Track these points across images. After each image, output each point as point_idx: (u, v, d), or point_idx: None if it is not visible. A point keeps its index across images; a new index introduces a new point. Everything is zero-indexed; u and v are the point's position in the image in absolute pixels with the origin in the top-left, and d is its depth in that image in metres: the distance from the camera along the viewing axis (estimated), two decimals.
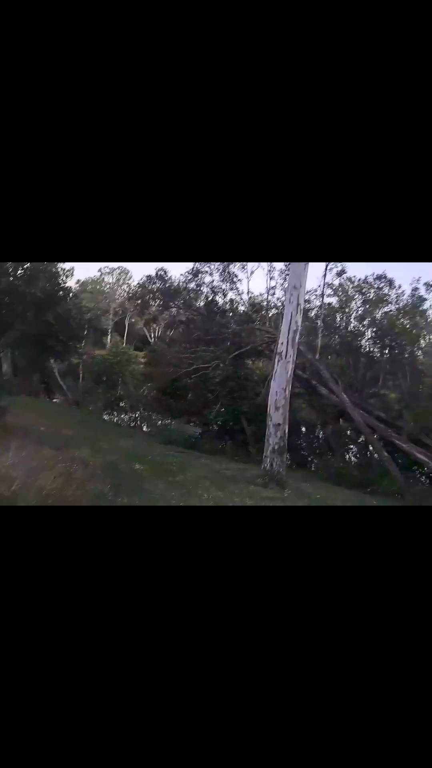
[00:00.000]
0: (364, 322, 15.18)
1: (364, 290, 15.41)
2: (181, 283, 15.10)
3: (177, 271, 21.12)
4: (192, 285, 15.01)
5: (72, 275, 17.63)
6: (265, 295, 15.69)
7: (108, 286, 35.86)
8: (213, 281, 14.83)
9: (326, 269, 14.45)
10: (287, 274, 10.83)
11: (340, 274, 15.08)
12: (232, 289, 15.02)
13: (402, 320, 14.43)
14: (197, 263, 14.31)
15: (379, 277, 14.94)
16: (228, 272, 14.67)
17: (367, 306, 15.34)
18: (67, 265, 16.13)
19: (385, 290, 15.07)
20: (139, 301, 17.40)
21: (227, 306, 15.00)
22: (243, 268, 14.94)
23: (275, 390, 8.25)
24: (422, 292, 14.87)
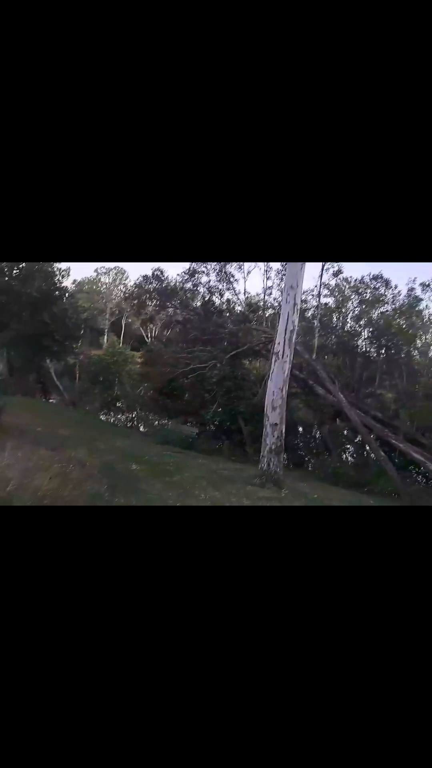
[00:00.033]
0: (361, 322, 15.22)
1: (360, 290, 15.46)
2: (177, 283, 15.10)
3: (174, 271, 21.13)
4: (189, 285, 15.00)
5: (68, 275, 17.59)
6: (262, 295, 15.71)
7: (104, 286, 35.79)
8: (210, 281, 14.85)
9: (323, 269, 14.49)
10: (284, 274, 10.84)
11: (336, 274, 15.13)
12: (228, 289, 15.04)
13: (398, 320, 14.47)
14: (194, 263, 14.30)
15: (376, 278, 14.99)
16: (225, 272, 14.67)
17: (364, 306, 15.38)
18: (63, 265, 16.12)
19: (382, 290, 15.12)
20: (136, 301, 17.35)
21: (224, 306, 15.00)
22: (240, 268, 14.94)
23: (272, 390, 8.25)
24: (418, 292, 14.93)
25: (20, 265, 14.57)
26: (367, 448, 11.70)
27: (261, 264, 15.04)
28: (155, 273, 15.12)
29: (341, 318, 15.71)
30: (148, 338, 26.23)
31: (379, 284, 14.98)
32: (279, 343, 8.21)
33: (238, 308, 15.18)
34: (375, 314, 15.07)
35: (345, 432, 13.22)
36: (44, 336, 14.64)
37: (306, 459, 13.13)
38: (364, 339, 14.76)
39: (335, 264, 14.50)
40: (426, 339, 17.39)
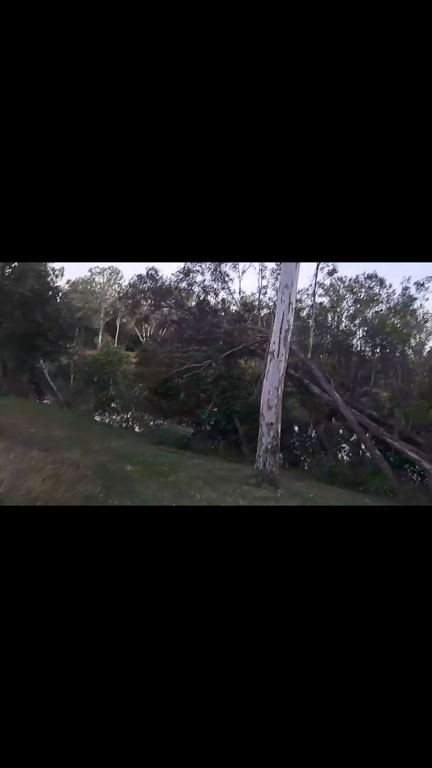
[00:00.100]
0: (356, 322, 15.23)
1: (355, 290, 15.47)
2: (172, 283, 15.02)
3: (168, 270, 21.07)
4: (183, 284, 14.94)
5: (62, 275, 17.44)
6: (257, 295, 15.69)
7: (99, 286, 35.65)
8: (204, 281, 14.79)
9: (317, 269, 14.49)
10: (279, 273, 10.82)
11: (331, 273, 15.13)
12: (223, 288, 14.99)
13: (393, 319, 14.50)
14: (188, 263, 14.25)
15: (370, 277, 15.00)
16: (219, 272, 14.62)
17: (358, 305, 15.39)
18: (57, 265, 15.97)
19: (376, 290, 15.13)
20: (130, 301, 17.25)
21: (219, 305, 14.95)
22: (234, 267, 14.90)
23: (268, 389, 8.22)
24: (413, 291, 14.97)
25: (12, 264, 14.43)
26: (363, 446, 11.71)
27: (256, 263, 15.03)
28: (150, 272, 15.04)
29: (336, 317, 15.72)
30: (143, 338, 26.14)
31: (373, 283, 15.01)
32: (274, 342, 8.19)
33: (233, 308, 15.15)
34: (369, 313, 15.08)
35: (340, 431, 13.23)
36: (37, 336, 14.51)
37: (302, 458, 13.13)
38: (359, 338, 14.78)
39: (330, 263, 14.52)
40: (420, 338, 17.47)
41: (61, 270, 16.19)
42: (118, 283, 34.61)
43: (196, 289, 15.08)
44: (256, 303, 15.64)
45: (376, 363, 13.56)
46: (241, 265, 14.98)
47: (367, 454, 11.21)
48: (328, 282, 15.59)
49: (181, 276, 14.66)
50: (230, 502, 6.28)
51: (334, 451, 12.89)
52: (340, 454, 13.18)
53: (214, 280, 14.74)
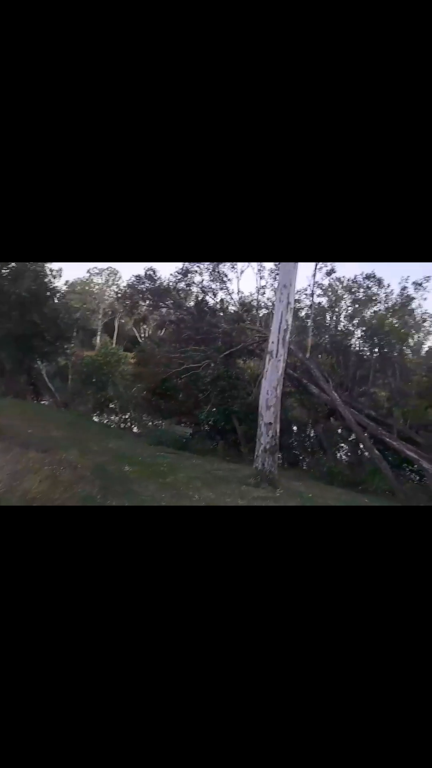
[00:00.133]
0: (354, 322, 15.22)
1: (353, 290, 15.45)
2: (170, 283, 14.98)
3: (166, 271, 21.03)
4: (182, 285, 14.90)
5: (60, 276, 17.37)
6: (255, 295, 15.66)
7: (97, 286, 35.60)
8: (203, 281, 14.75)
9: (315, 269, 14.48)
10: (277, 273, 10.80)
11: (329, 273, 15.11)
12: (222, 288, 14.94)
13: (391, 319, 14.49)
14: (187, 263, 14.21)
15: (368, 277, 14.98)
16: (218, 272, 14.59)
17: (357, 305, 15.38)
18: (55, 266, 15.89)
19: (374, 289, 15.11)
20: (128, 301, 17.19)
21: (217, 306, 14.92)
22: (233, 267, 14.86)
23: (266, 389, 8.20)
24: (411, 291, 14.97)
25: (10, 264, 14.37)
26: (362, 446, 11.70)
27: (254, 263, 15.01)
28: (147, 273, 15.00)
29: (334, 317, 15.70)
30: (141, 338, 26.10)
31: (371, 283, 14.99)
32: (273, 342, 8.17)
33: (232, 308, 15.11)
34: (368, 313, 15.07)
35: (339, 431, 13.22)
36: (34, 336, 14.45)
37: (301, 458, 13.10)
38: (358, 338, 14.76)
39: (328, 263, 14.50)
40: (418, 337, 17.49)
41: (59, 271, 16.11)
42: (117, 284, 34.57)
43: (194, 289, 15.06)
44: (255, 303, 15.61)
45: (375, 363, 13.55)
46: (240, 265, 14.96)
47: (366, 453, 11.20)
48: (326, 282, 15.58)
49: (179, 276, 14.63)
50: (229, 503, 6.25)
51: (333, 450, 12.87)
52: (339, 454, 13.16)
53: (212, 280, 14.70)
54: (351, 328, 15.16)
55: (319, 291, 15.48)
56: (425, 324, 20.26)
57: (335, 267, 14.96)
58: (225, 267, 14.67)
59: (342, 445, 13.43)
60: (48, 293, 15.23)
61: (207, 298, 14.89)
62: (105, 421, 15.33)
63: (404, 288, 14.95)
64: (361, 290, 15.18)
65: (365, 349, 14.12)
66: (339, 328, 15.12)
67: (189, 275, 14.57)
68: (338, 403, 10.93)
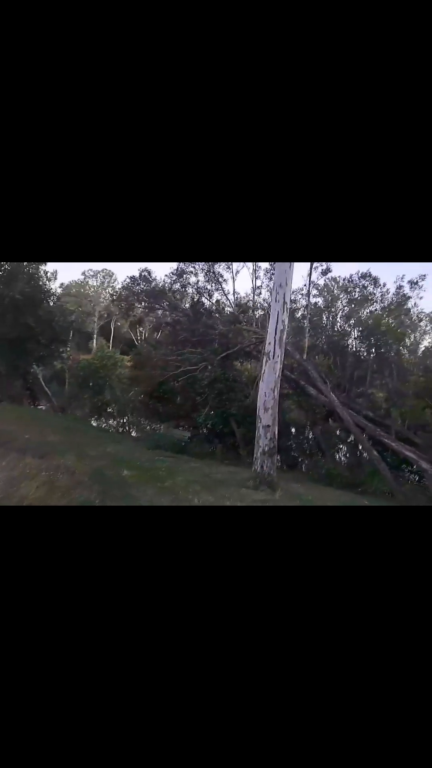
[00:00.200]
0: (350, 322, 15.23)
1: (349, 289, 15.47)
2: (165, 284, 14.93)
3: (161, 272, 21.00)
4: (177, 286, 14.85)
5: (55, 278, 17.26)
6: (251, 296, 15.64)
7: (92, 289, 35.52)
8: (198, 282, 14.72)
9: (311, 268, 14.48)
10: (272, 273, 10.78)
11: (325, 273, 15.13)
12: (217, 289, 14.91)
13: (387, 319, 14.52)
14: (181, 263, 14.17)
15: (364, 276, 15.01)
16: (213, 272, 14.55)
17: (353, 305, 15.40)
18: (49, 268, 15.78)
19: (370, 289, 15.15)
20: (124, 303, 17.12)
21: (213, 307, 14.88)
22: (228, 268, 14.84)
23: (264, 391, 8.15)
24: (406, 290, 15.02)
25: (4, 266, 14.24)
26: (360, 447, 11.68)
27: (249, 264, 15.00)
28: (143, 274, 14.95)
29: (331, 317, 15.70)
30: (137, 341, 26.03)
31: (367, 283, 15.02)
32: (270, 343, 8.13)
33: (228, 309, 15.08)
34: (364, 313, 15.10)
35: (338, 432, 13.20)
36: (29, 340, 14.33)
37: (299, 460, 13.07)
38: (354, 338, 14.77)
39: (324, 263, 14.51)
40: (415, 337, 17.53)
41: (54, 273, 15.98)
42: (112, 286, 34.51)
43: (189, 290, 15.03)
44: (251, 304, 15.60)
45: (372, 363, 13.55)
46: (235, 265, 14.94)
47: (365, 455, 11.18)
48: (322, 282, 15.60)
49: (174, 277, 14.59)
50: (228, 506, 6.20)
51: (331, 452, 12.84)
52: (337, 456, 13.14)
53: (207, 281, 14.68)
54: (347, 328, 15.16)
55: (314, 291, 15.52)
56: (421, 323, 20.36)
57: (331, 266, 15.00)
58: (220, 267, 14.66)
59: (340, 446, 13.41)
60: (42, 296, 15.11)
61: (203, 299, 14.86)
62: (102, 426, 15.25)
63: (400, 287, 15.01)
64: (357, 290, 15.21)
65: (362, 349, 14.13)
66: (335, 329, 15.12)
67: (184, 276, 14.53)
68: (336, 405, 10.91)
